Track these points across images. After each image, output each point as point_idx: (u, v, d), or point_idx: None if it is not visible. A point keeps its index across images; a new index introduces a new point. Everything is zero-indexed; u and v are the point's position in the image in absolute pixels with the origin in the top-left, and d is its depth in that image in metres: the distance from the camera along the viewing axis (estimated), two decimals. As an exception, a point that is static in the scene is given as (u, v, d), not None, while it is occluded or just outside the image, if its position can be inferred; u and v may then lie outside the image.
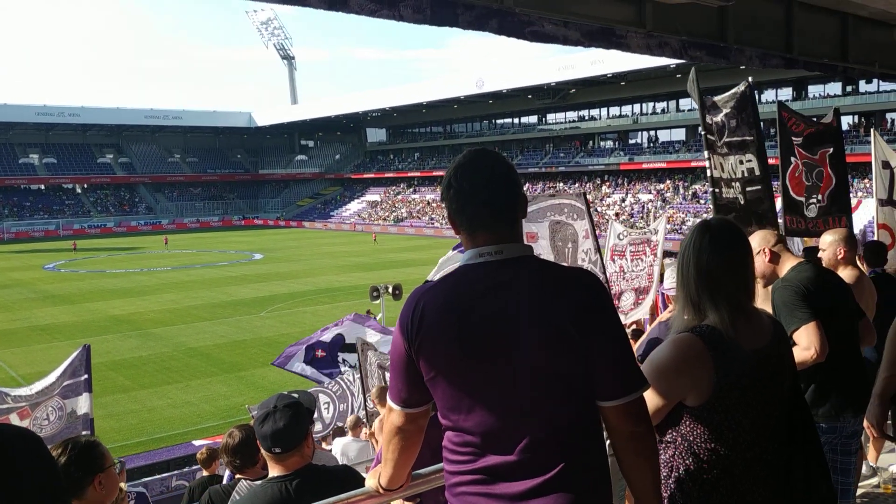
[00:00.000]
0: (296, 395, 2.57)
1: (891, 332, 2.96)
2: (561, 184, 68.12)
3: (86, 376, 7.32)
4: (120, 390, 19.27)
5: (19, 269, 46.29)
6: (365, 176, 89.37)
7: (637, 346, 4.63)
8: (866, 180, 44.83)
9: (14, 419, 6.85)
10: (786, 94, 55.93)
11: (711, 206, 5.21)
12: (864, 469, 4.79)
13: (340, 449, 7.58)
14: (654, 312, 7.98)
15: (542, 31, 3.77)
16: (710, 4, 4.24)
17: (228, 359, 22.51)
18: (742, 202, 5.25)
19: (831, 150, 5.95)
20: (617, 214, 52.64)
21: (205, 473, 6.95)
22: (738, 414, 2.04)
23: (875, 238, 6.93)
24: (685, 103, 63.76)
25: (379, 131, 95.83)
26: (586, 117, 72.81)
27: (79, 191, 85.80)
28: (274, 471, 2.48)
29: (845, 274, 4.07)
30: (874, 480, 4.86)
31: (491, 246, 1.79)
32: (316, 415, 8.06)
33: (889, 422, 3.03)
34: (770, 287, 3.26)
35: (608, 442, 1.86)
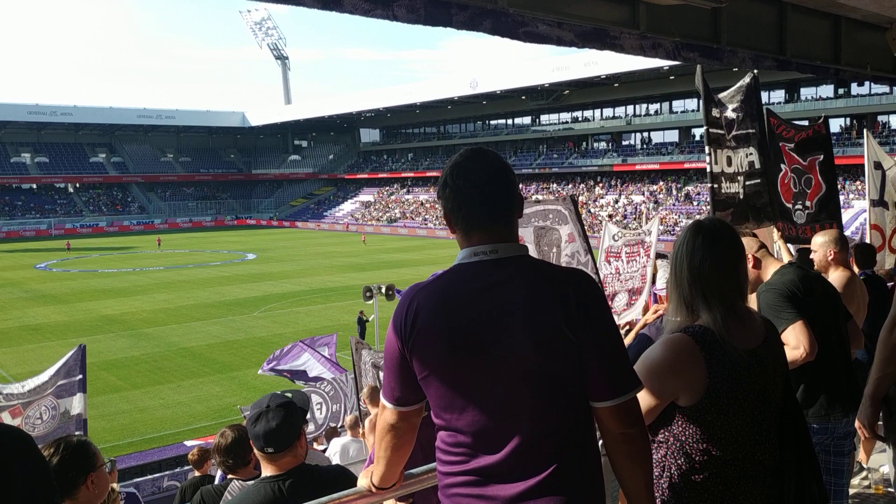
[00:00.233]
0: (289, 395, 2.57)
1: (882, 333, 2.97)
2: (554, 185, 68.22)
3: (80, 376, 7.30)
4: (112, 390, 19.19)
5: (10, 269, 46.06)
6: (358, 176, 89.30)
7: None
8: (858, 182, 45.04)
9: (6, 417, 6.82)
10: (778, 96, 56.13)
11: (710, 202, 5.20)
12: (855, 469, 4.82)
13: (340, 448, 7.58)
14: (646, 312, 7.99)
15: (535, 31, 3.77)
16: (703, 6, 4.26)
17: (221, 359, 22.45)
18: (741, 196, 5.26)
19: (821, 157, 5.99)
20: (610, 216, 52.73)
21: (196, 474, 6.93)
22: (731, 414, 2.04)
23: (868, 239, 6.97)
24: (678, 105, 64.00)
25: (373, 131, 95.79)
26: (580, 118, 72.92)
27: (71, 190, 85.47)
28: (267, 471, 2.48)
29: (837, 275, 4.09)
30: (865, 481, 4.88)
31: (486, 245, 1.79)
32: (308, 415, 8.05)
33: (880, 422, 3.04)
34: (755, 293, 3.28)
35: (601, 442, 1.86)
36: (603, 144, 71.03)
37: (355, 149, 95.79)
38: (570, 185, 66.72)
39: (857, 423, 2.97)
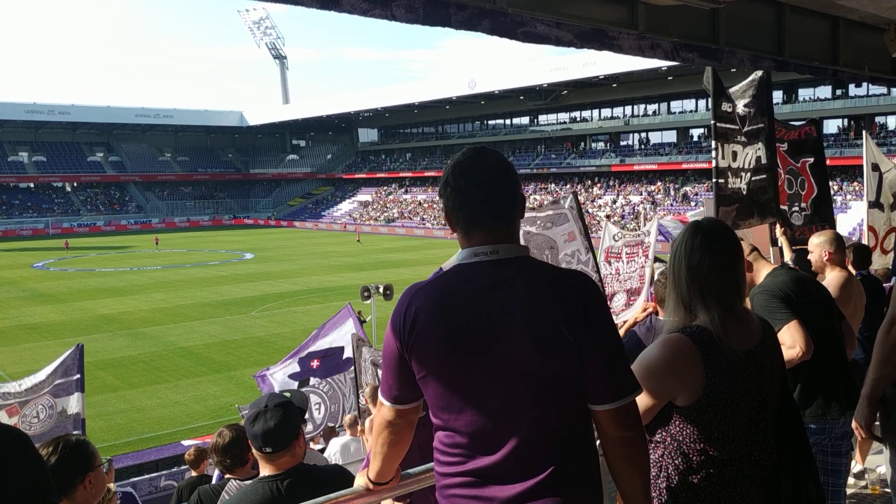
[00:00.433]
0: (287, 395, 2.57)
1: (879, 334, 2.98)
2: (552, 185, 68.25)
3: (78, 376, 7.28)
4: (109, 389, 19.16)
5: (7, 268, 45.98)
6: (356, 176, 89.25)
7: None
8: (855, 183, 45.12)
9: (2, 416, 6.80)
10: (776, 96, 56.13)
11: (714, 197, 5.19)
12: (853, 469, 4.82)
13: (340, 447, 7.58)
14: (644, 313, 7.99)
15: (534, 31, 3.77)
16: (701, 6, 4.26)
17: (218, 358, 22.42)
18: (744, 192, 5.27)
19: (812, 160, 6.03)
20: (608, 216, 52.76)
21: (193, 474, 6.92)
22: (728, 414, 2.05)
23: (865, 240, 6.99)
24: (676, 105, 64.04)
25: (371, 131, 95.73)
26: (578, 119, 72.95)
27: (68, 189, 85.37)
28: (265, 470, 2.48)
29: (833, 276, 4.09)
30: (862, 482, 4.89)
31: (486, 246, 1.78)
32: (307, 415, 8.05)
33: (877, 423, 3.05)
34: (748, 296, 3.29)
35: (598, 443, 1.86)
36: (601, 145, 71.07)
37: (353, 148, 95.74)
38: (567, 186, 66.71)
39: (854, 424, 2.98)
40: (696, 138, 61.55)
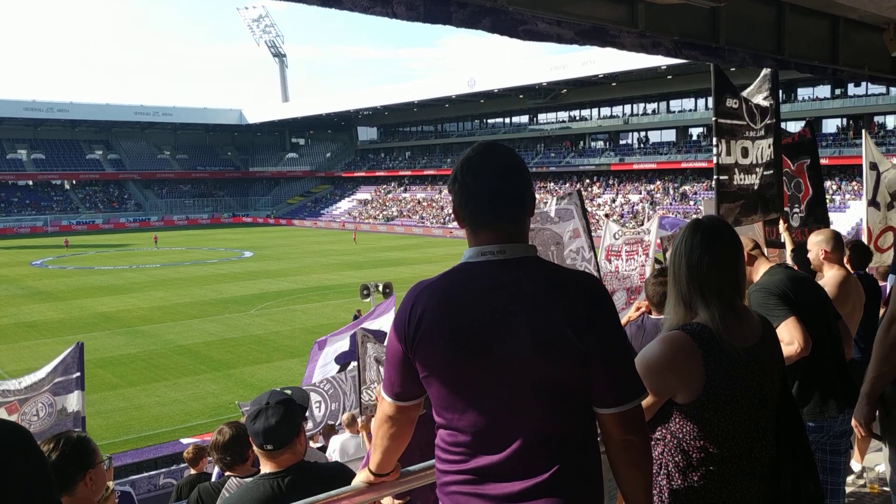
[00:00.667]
0: (288, 392, 2.57)
1: (878, 332, 2.98)
2: (552, 183, 68.21)
3: (78, 374, 7.26)
4: (108, 387, 19.15)
5: (6, 266, 45.92)
6: (356, 174, 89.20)
7: None
8: (854, 182, 45.15)
9: (2, 414, 6.80)
10: (775, 96, 56.10)
11: (715, 195, 5.18)
12: (851, 468, 4.83)
13: (339, 446, 7.60)
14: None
15: (535, 29, 3.76)
16: (701, 5, 4.26)
17: (217, 357, 22.41)
18: (755, 188, 5.28)
19: (808, 161, 6.05)
20: (607, 215, 52.75)
21: (192, 471, 6.93)
22: (728, 412, 2.05)
23: (864, 238, 7.00)
24: (675, 104, 64.04)
25: (370, 130, 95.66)
26: (577, 118, 72.89)
27: (67, 187, 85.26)
28: (266, 467, 2.48)
29: (832, 274, 4.10)
30: (861, 480, 4.90)
31: (493, 245, 1.75)
32: (307, 413, 8.05)
33: (876, 421, 3.05)
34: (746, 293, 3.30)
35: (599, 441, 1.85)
36: (600, 143, 71.05)
37: (353, 147, 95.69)
38: (567, 185, 66.69)
39: (853, 422, 2.99)
40: (695, 137, 61.52)
